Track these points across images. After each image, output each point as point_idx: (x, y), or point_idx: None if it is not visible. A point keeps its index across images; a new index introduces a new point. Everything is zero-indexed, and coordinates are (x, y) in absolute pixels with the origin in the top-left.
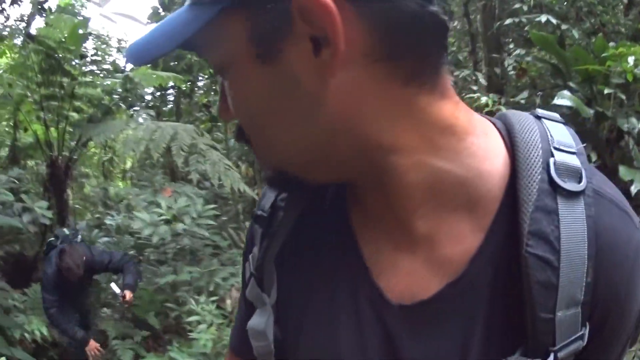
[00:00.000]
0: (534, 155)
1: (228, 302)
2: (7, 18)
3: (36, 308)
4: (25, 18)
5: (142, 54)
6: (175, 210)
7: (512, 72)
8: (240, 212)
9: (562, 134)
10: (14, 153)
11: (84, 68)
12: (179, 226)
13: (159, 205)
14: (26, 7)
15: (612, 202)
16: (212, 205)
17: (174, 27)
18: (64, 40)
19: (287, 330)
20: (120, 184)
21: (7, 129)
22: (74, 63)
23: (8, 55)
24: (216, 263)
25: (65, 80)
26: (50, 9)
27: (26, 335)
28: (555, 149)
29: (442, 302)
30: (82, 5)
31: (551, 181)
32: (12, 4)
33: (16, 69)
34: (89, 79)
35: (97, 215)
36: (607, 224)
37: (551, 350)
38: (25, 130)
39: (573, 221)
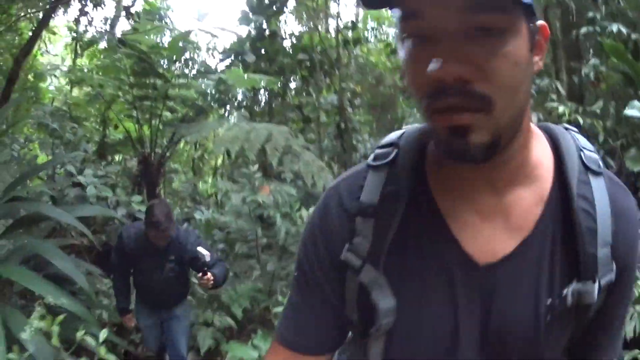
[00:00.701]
0: (572, 151)
1: None
2: (91, 21)
3: None
4: (109, 21)
5: None
6: (272, 206)
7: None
8: None
9: (583, 140)
10: (103, 149)
11: (176, 71)
12: (276, 220)
13: (256, 202)
14: (109, 10)
15: (620, 185)
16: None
17: None
18: (156, 45)
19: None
20: (209, 180)
21: (95, 126)
22: (166, 66)
23: (96, 57)
24: None
25: (159, 82)
26: (137, 13)
27: (106, 316)
28: (581, 148)
29: (517, 256)
30: (169, 9)
31: (584, 166)
32: (95, 6)
33: (108, 71)
34: (182, 80)
35: (186, 210)
36: (618, 195)
37: (596, 277)
38: (116, 127)
39: (599, 189)
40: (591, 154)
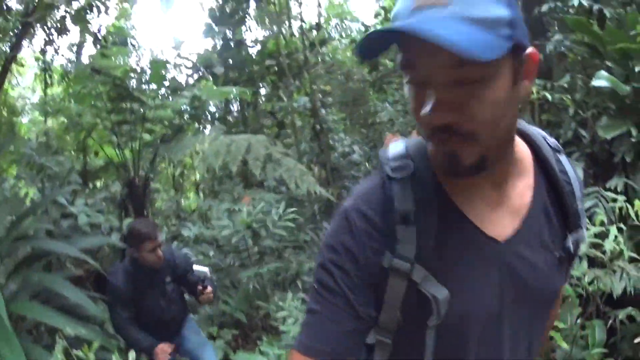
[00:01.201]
0: (541, 140)
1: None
2: (57, 49)
3: None
4: (75, 48)
5: (428, 33)
6: (256, 215)
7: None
8: (316, 212)
9: (542, 132)
10: (85, 176)
11: (150, 92)
12: (262, 229)
13: (239, 213)
14: (74, 35)
15: (569, 158)
16: (292, 209)
17: (474, 38)
18: (128, 69)
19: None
20: (191, 196)
21: (74, 155)
22: (136, 87)
23: (69, 85)
24: (303, 257)
25: (135, 105)
26: (104, 38)
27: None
28: (544, 136)
29: (524, 229)
30: (133, 28)
31: (551, 148)
32: (59, 34)
33: (85, 99)
34: (157, 101)
35: (173, 228)
36: (572, 165)
37: (581, 224)
38: (96, 154)
39: (565, 162)
40: (551, 138)
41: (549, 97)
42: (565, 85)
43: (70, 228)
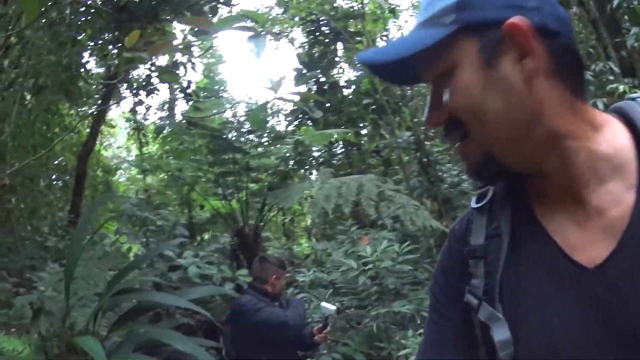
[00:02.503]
0: None
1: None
2: (149, 108)
3: None
4: (166, 105)
5: (376, 58)
6: (381, 253)
7: None
8: (432, 246)
9: None
10: (191, 229)
11: (250, 143)
12: (382, 266)
13: (358, 255)
14: (163, 93)
15: None
16: (410, 247)
17: (412, 40)
18: (225, 120)
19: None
20: (303, 241)
21: (178, 209)
22: (237, 138)
23: (165, 142)
24: (422, 293)
25: (237, 155)
26: (195, 92)
27: None
28: None
29: (622, 251)
30: (224, 83)
31: None
32: (148, 94)
33: (184, 154)
34: (260, 149)
35: (287, 275)
36: None
37: None
38: (201, 207)
39: None
40: None
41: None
42: None
43: (180, 280)
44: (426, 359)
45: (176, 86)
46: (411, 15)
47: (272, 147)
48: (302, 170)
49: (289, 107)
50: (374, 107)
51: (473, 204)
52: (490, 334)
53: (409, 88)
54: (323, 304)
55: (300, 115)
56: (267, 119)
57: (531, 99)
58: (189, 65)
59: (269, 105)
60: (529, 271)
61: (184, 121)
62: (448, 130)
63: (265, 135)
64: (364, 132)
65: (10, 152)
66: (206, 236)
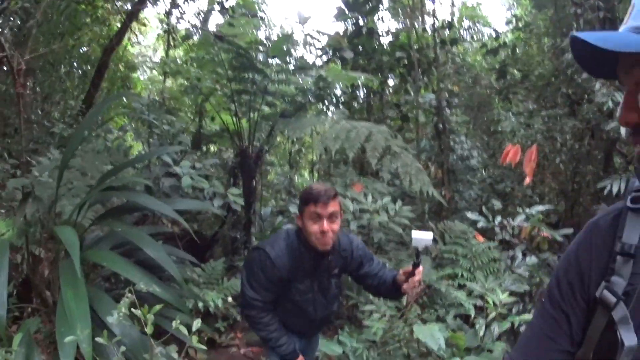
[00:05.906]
0: None
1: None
2: (183, 14)
3: (209, 283)
4: (201, 15)
5: (596, 42)
6: (376, 205)
7: None
8: (426, 211)
9: None
10: (198, 139)
11: (274, 67)
12: (376, 220)
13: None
14: (201, 3)
15: None
16: (408, 207)
17: (632, 40)
18: (255, 41)
19: None
20: (306, 174)
21: (190, 117)
22: (264, 61)
23: (191, 50)
24: (404, 255)
25: (257, 77)
26: (232, 8)
27: (199, 304)
28: None
29: None
30: (263, 3)
31: None
32: (186, 0)
33: (205, 65)
34: (281, 76)
35: (281, 202)
36: None
37: None
38: (212, 119)
39: None
40: None
41: None
42: None
43: (172, 188)
44: (535, 350)
45: None
46: None
47: (294, 77)
48: (320, 106)
49: (324, 40)
50: (405, 62)
51: (628, 204)
52: (619, 336)
53: (441, 52)
54: (414, 232)
55: (331, 52)
56: (292, 50)
57: None
58: None
59: (300, 38)
60: None
61: (213, 33)
62: (636, 132)
63: (291, 63)
64: (390, 83)
65: (34, 37)
66: (213, 148)
